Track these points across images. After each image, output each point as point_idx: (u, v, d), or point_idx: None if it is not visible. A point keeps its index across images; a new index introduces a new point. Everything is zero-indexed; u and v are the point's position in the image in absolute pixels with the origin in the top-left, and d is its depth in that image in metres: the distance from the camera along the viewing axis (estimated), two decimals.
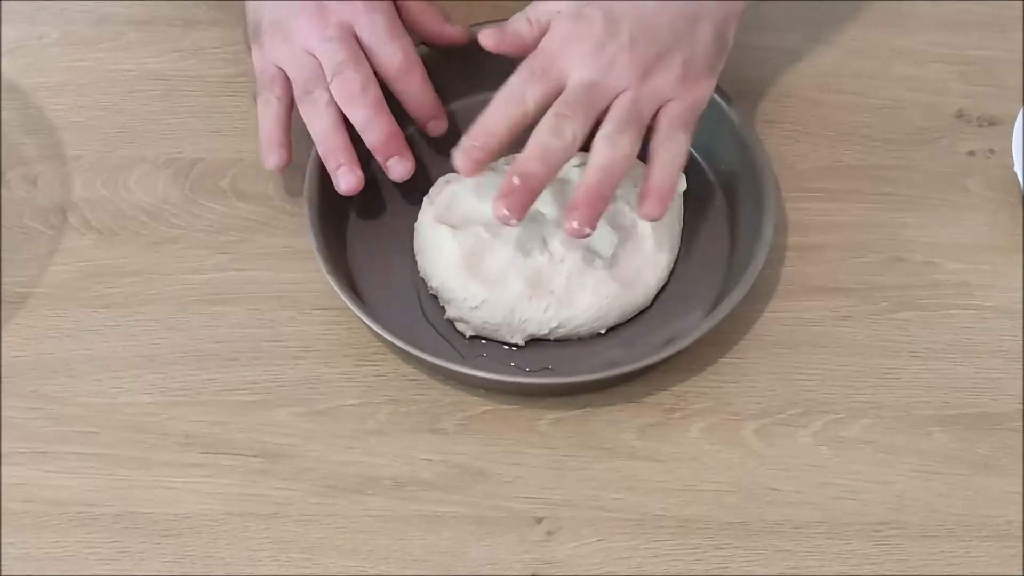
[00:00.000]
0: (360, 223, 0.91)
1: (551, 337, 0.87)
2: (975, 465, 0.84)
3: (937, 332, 0.88)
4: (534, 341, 0.87)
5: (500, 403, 0.85)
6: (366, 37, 0.89)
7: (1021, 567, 0.81)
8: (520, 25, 0.87)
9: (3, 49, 0.99)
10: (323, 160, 0.88)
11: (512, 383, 0.85)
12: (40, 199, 0.93)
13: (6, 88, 0.97)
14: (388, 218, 0.91)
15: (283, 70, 0.90)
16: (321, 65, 0.88)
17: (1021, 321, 0.88)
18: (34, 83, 0.98)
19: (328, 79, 0.87)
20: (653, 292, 0.88)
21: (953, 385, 0.86)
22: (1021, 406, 0.85)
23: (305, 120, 0.89)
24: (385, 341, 0.85)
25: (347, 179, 0.87)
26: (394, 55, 0.89)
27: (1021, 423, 0.85)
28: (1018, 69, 0.99)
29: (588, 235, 0.83)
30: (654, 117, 0.86)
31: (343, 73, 0.87)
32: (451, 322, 0.87)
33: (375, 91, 0.88)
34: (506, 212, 0.82)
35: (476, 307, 0.86)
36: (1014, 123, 0.92)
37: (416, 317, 0.88)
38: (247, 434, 0.84)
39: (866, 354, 0.87)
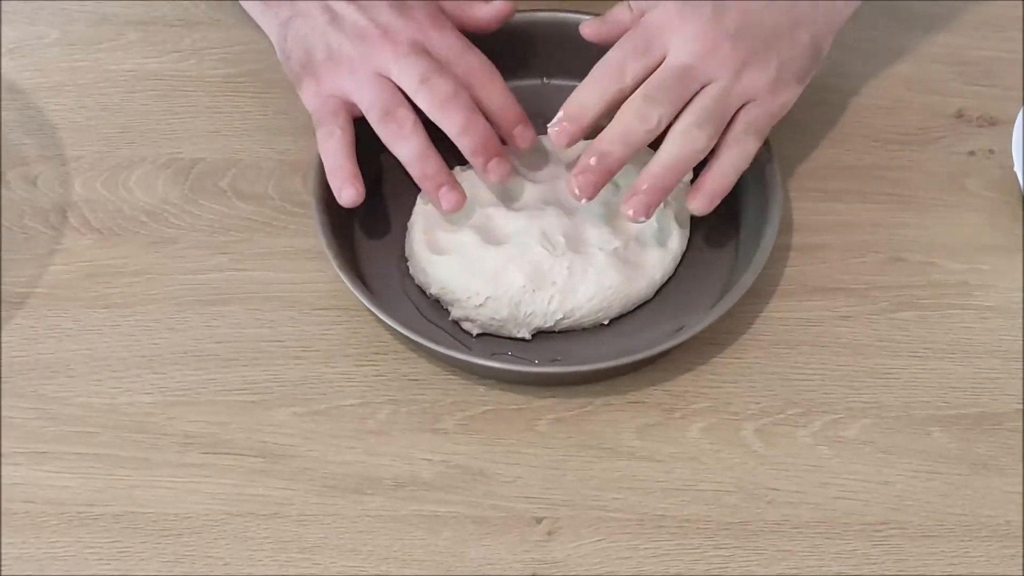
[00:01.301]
0: (366, 222, 0.91)
1: (556, 329, 0.87)
2: (975, 465, 0.84)
3: (937, 332, 0.88)
4: (541, 335, 0.87)
5: (500, 403, 0.85)
6: (440, 51, 0.87)
7: (1021, 567, 0.81)
8: (620, 13, 0.88)
9: (3, 49, 0.99)
10: (420, 182, 0.86)
11: (525, 373, 0.85)
12: (40, 199, 0.93)
13: (6, 88, 0.97)
14: (391, 215, 0.91)
15: (347, 100, 0.88)
16: (398, 86, 0.86)
17: (1021, 321, 0.88)
18: (34, 83, 0.98)
19: (413, 91, 0.85)
20: (658, 284, 0.88)
21: (953, 385, 0.86)
22: (1021, 406, 0.85)
23: (389, 143, 0.87)
24: (403, 338, 0.85)
25: (451, 198, 0.86)
26: (472, 63, 0.87)
27: (1021, 423, 0.85)
28: (1018, 69, 0.99)
29: (642, 222, 0.85)
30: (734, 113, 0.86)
31: (430, 80, 0.85)
32: (456, 322, 0.88)
33: (467, 95, 0.86)
34: (577, 191, 0.83)
35: (481, 305, 0.86)
36: (1014, 123, 0.92)
37: (418, 316, 0.88)
38: (247, 434, 0.84)
39: (866, 354, 0.87)
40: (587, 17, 0.92)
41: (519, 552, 0.81)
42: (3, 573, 0.80)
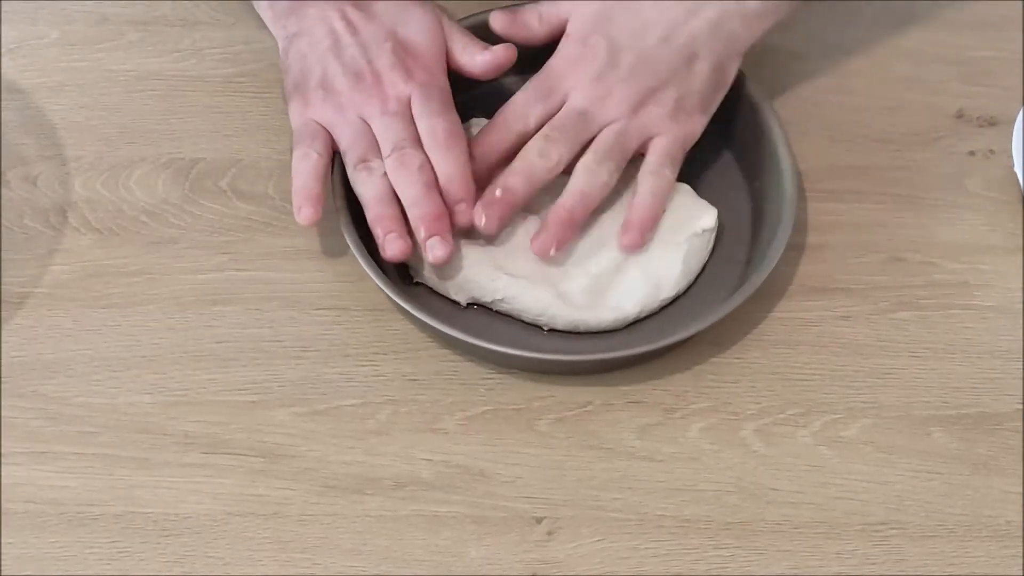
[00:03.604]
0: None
1: (494, 308, 0.87)
2: (975, 465, 0.84)
3: (937, 332, 0.88)
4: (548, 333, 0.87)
5: (500, 403, 0.85)
6: (417, 109, 0.89)
7: (1021, 567, 0.81)
8: (530, 17, 0.92)
9: (3, 49, 0.99)
10: (371, 226, 0.87)
11: (531, 359, 0.85)
12: (40, 199, 0.93)
13: (6, 88, 0.97)
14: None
15: (328, 130, 0.89)
16: (376, 137, 0.89)
17: (1021, 321, 0.88)
18: (34, 83, 0.98)
19: (385, 153, 0.88)
20: (621, 324, 0.87)
21: (953, 385, 0.86)
22: (1021, 406, 0.85)
23: (358, 187, 0.88)
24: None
25: (395, 246, 0.86)
26: (439, 127, 0.88)
27: (1021, 423, 0.85)
28: (1018, 69, 0.99)
29: (552, 256, 0.86)
30: (644, 149, 0.89)
31: (404, 150, 0.87)
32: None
33: (430, 172, 0.87)
34: (484, 221, 0.86)
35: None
36: (1014, 123, 0.93)
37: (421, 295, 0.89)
38: (247, 434, 0.84)
39: (866, 354, 0.87)
40: None
41: (519, 552, 0.81)
42: (3, 573, 0.80)
